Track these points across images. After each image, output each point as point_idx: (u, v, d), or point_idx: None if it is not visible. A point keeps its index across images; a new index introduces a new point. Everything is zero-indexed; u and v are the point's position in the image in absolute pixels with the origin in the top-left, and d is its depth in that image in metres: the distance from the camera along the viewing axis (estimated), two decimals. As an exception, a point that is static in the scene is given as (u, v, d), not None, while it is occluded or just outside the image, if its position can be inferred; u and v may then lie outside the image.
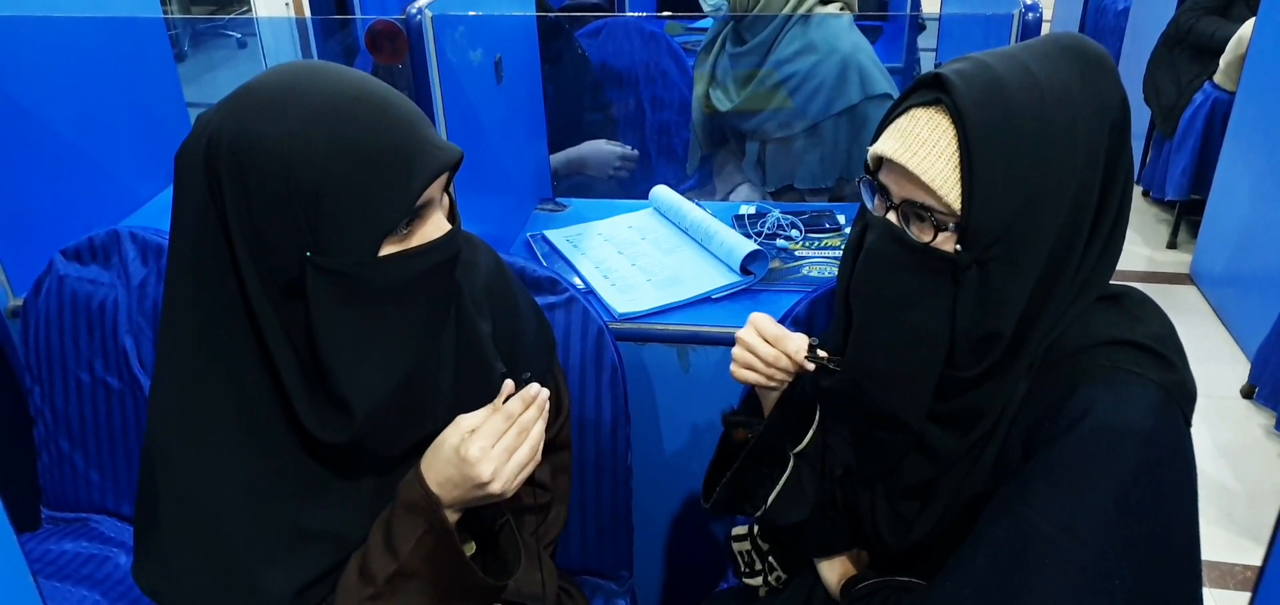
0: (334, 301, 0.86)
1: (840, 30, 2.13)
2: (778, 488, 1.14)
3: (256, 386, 0.92)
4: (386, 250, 0.87)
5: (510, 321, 1.13)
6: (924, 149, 0.90)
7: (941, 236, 0.91)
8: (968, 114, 0.87)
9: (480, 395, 0.99)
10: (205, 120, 0.86)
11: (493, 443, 0.93)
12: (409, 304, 0.91)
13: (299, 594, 0.96)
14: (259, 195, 0.83)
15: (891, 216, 0.96)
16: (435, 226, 0.91)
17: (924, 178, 0.89)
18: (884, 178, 0.96)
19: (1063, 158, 0.88)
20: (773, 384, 1.11)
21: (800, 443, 1.14)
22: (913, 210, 0.93)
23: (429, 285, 0.92)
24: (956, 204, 0.89)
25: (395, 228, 0.86)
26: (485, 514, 1.03)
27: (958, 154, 0.88)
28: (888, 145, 0.93)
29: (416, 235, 0.90)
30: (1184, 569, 0.93)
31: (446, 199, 0.95)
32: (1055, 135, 0.87)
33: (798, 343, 1.08)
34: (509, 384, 0.97)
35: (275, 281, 0.87)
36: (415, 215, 0.88)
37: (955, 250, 0.91)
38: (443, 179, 0.90)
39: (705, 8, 2.24)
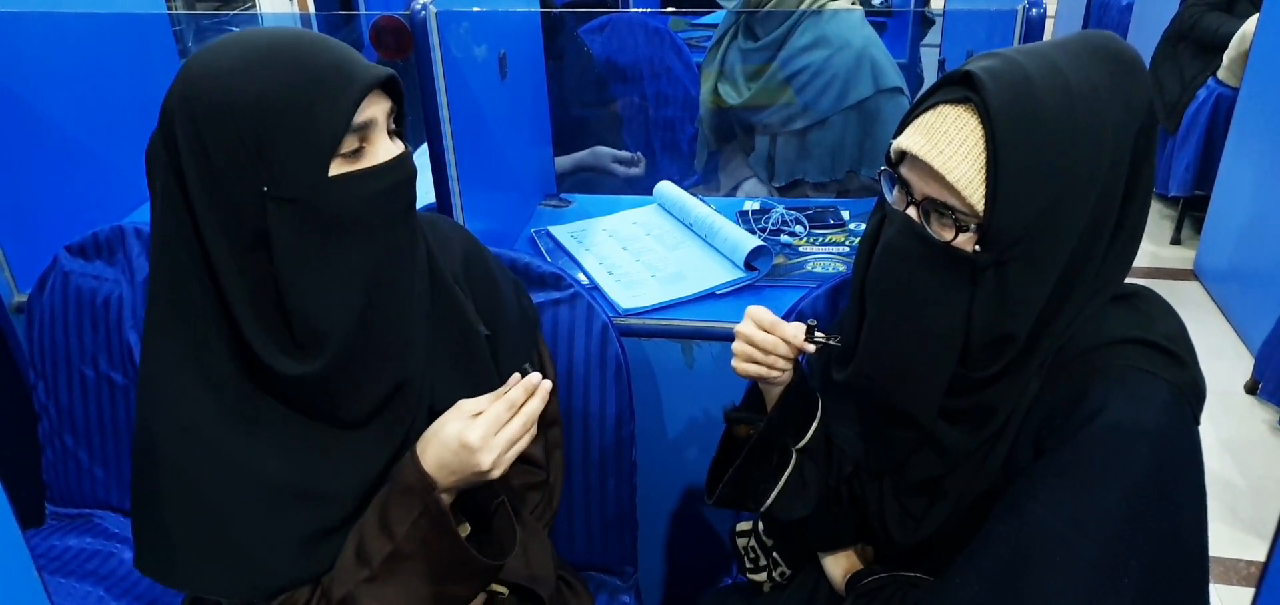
0: (293, 232, 0.89)
1: (854, 24, 2.13)
2: (780, 483, 1.15)
3: (224, 347, 0.94)
4: (337, 171, 0.90)
5: (489, 294, 1.15)
6: (950, 147, 0.89)
7: (962, 236, 0.91)
8: (997, 116, 0.85)
9: (464, 353, 1.02)
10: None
11: (495, 431, 0.95)
12: (367, 228, 0.93)
13: (289, 554, 0.97)
14: (212, 147, 0.87)
15: (912, 212, 0.95)
16: (385, 150, 0.94)
17: (949, 176, 0.88)
18: (906, 172, 0.95)
19: (1088, 161, 0.87)
20: (774, 375, 1.11)
21: (802, 438, 1.14)
22: (934, 207, 0.92)
23: (384, 209, 0.94)
24: (979, 204, 0.88)
25: (338, 145, 0.89)
26: (480, 495, 1.04)
27: (984, 155, 0.87)
28: (912, 140, 0.92)
29: (366, 158, 0.92)
30: (1193, 567, 0.92)
31: (400, 144, 0.97)
32: (1083, 139, 0.86)
33: (795, 328, 1.08)
34: (513, 378, 0.98)
35: (239, 234, 0.89)
36: (362, 138, 0.91)
37: (975, 250, 0.90)
38: (385, 105, 0.94)
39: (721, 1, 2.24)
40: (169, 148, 0.89)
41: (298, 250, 0.90)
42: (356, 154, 0.91)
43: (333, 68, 0.89)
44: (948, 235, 0.91)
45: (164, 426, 0.95)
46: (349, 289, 0.93)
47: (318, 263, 0.91)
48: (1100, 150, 0.87)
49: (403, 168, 0.95)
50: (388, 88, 0.94)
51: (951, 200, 0.90)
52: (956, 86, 0.90)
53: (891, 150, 0.97)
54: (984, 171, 0.87)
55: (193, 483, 0.94)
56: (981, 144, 0.87)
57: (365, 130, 0.91)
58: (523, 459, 1.00)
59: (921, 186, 0.93)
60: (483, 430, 0.94)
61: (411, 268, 0.99)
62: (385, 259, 0.95)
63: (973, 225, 0.90)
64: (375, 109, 0.92)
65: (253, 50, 0.88)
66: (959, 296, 0.93)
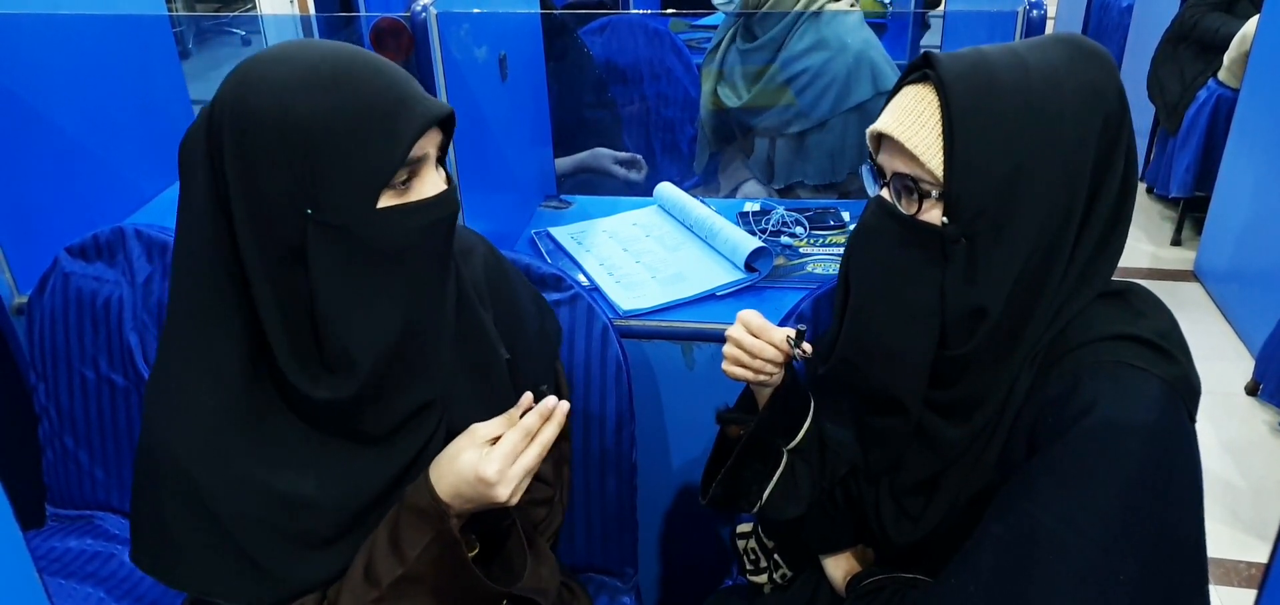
0: (334, 257, 0.88)
1: (851, 26, 2.13)
2: (772, 483, 1.15)
3: (248, 357, 0.93)
4: (385, 203, 0.89)
5: (510, 309, 1.14)
6: (910, 119, 0.93)
7: (927, 205, 0.94)
8: (950, 84, 0.90)
9: (483, 375, 1.01)
10: (206, 107, 0.89)
11: (511, 462, 0.94)
12: (407, 261, 0.92)
13: (293, 560, 0.96)
14: (260, 161, 0.85)
15: (885, 193, 0.99)
16: (432, 185, 0.93)
17: (908, 145, 0.92)
18: (881, 157, 0.99)
19: (1048, 135, 0.89)
20: (763, 378, 1.12)
21: (793, 439, 1.15)
22: (903, 183, 0.96)
23: (427, 243, 0.93)
24: (939, 171, 0.91)
25: (391, 178, 0.88)
26: (491, 514, 1.03)
27: (941, 124, 0.91)
28: (882, 122, 0.96)
29: (413, 192, 0.91)
30: (1190, 564, 0.92)
31: (443, 170, 0.96)
32: (1039, 111, 0.89)
33: (784, 334, 1.09)
34: (527, 398, 0.97)
35: (275, 249, 0.88)
36: (412, 171, 0.90)
37: (942, 223, 0.93)
38: (437, 138, 0.93)
39: (716, 3, 2.24)
40: (212, 149, 0.87)
41: (336, 276, 0.88)
42: (405, 187, 0.90)
43: (393, 99, 0.87)
44: (914, 208, 0.94)
45: (173, 426, 0.94)
46: (385, 318, 0.92)
47: (356, 290, 0.90)
48: (1059, 125, 0.89)
49: (448, 204, 0.94)
50: (442, 121, 0.92)
51: (915, 171, 0.93)
52: (918, 69, 0.95)
53: (868, 140, 1.01)
54: (942, 139, 0.91)
55: (200, 486, 0.93)
56: (938, 112, 0.91)
57: (417, 165, 0.91)
58: (534, 477, 0.99)
59: (891, 164, 0.97)
60: (499, 463, 0.93)
61: (444, 292, 0.99)
62: (422, 289, 0.95)
63: (935, 193, 0.93)
64: (429, 144, 0.91)
65: (312, 68, 0.86)
66: (932, 272, 0.96)
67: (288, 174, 0.85)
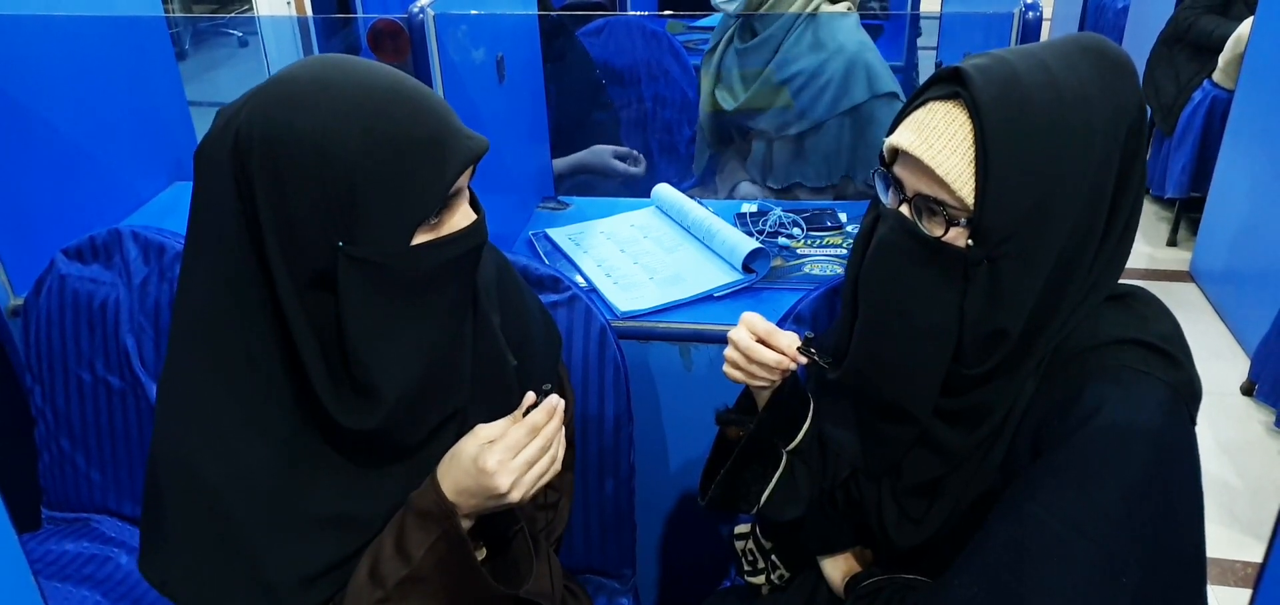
0: (365, 291, 0.87)
1: (848, 29, 2.13)
2: (771, 485, 1.15)
3: (273, 375, 0.92)
4: (418, 239, 0.89)
5: (518, 316, 1.14)
6: (940, 142, 0.89)
7: (953, 231, 0.91)
8: (985, 109, 0.86)
9: (494, 384, 1.01)
10: (230, 115, 0.87)
11: (512, 455, 0.94)
12: (437, 292, 0.92)
13: (306, 581, 0.96)
14: (293, 186, 0.84)
15: (904, 210, 0.95)
16: (463, 216, 0.93)
17: (939, 171, 0.89)
18: (899, 170, 0.95)
19: (1078, 158, 0.87)
20: (764, 382, 1.11)
21: (793, 440, 1.14)
22: (926, 203, 0.92)
23: (455, 273, 0.93)
24: (970, 199, 0.88)
25: (428, 217, 0.88)
26: (498, 518, 1.03)
27: (973, 149, 0.88)
28: (904, 137, 0.93)
29: (445, 224, 0.91)
30: (1190, 567, 0.93)
31: (471, 205, 0.96)
32: (1071, 135, 0.87)
33: (789, 339, 1.08)
34: (530, 396, 0.97)
35: (301, 273, 0.87)
36: (445, 205, 0.90)
37: (967, 246, 0.91)
38: (470, 169, 0.92)
39: (716, 2, 2.24)
40: (239, 166, 0.85)
41: (365, 308, 0.88)
42: (437, 222, 0.90)
43: (432, 141, 0.86)
44: (939, 231, 0.92)
45: (195, 436, 0.92)
46: (411, 350, 0.92)
47: (384, 323, 0.90)
48: (1090, 147, 0.88)
49: (477, 234, 0.94)
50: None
51: (942, 195, 0.90)
52: (946, 83, 0.91)
53: (884, 149, 0.98)
54: (973, 165, 0.88)
55: (223, 499, 0.92)
56: (970, 138, 0.88)
57: (452, 199, 0.91)
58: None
59: (913, 183, 0.93)
60: (500, 454, 0.93)
61: (466, 312, 0.99)
62: (448, 315, 0.95)
63: (963, 220, 0.90)
64: (464, 177, 0.91)
65: (358, 95, 0.84)
66: (951, 293, 0.94)
67: (323, 203, 0.84)
